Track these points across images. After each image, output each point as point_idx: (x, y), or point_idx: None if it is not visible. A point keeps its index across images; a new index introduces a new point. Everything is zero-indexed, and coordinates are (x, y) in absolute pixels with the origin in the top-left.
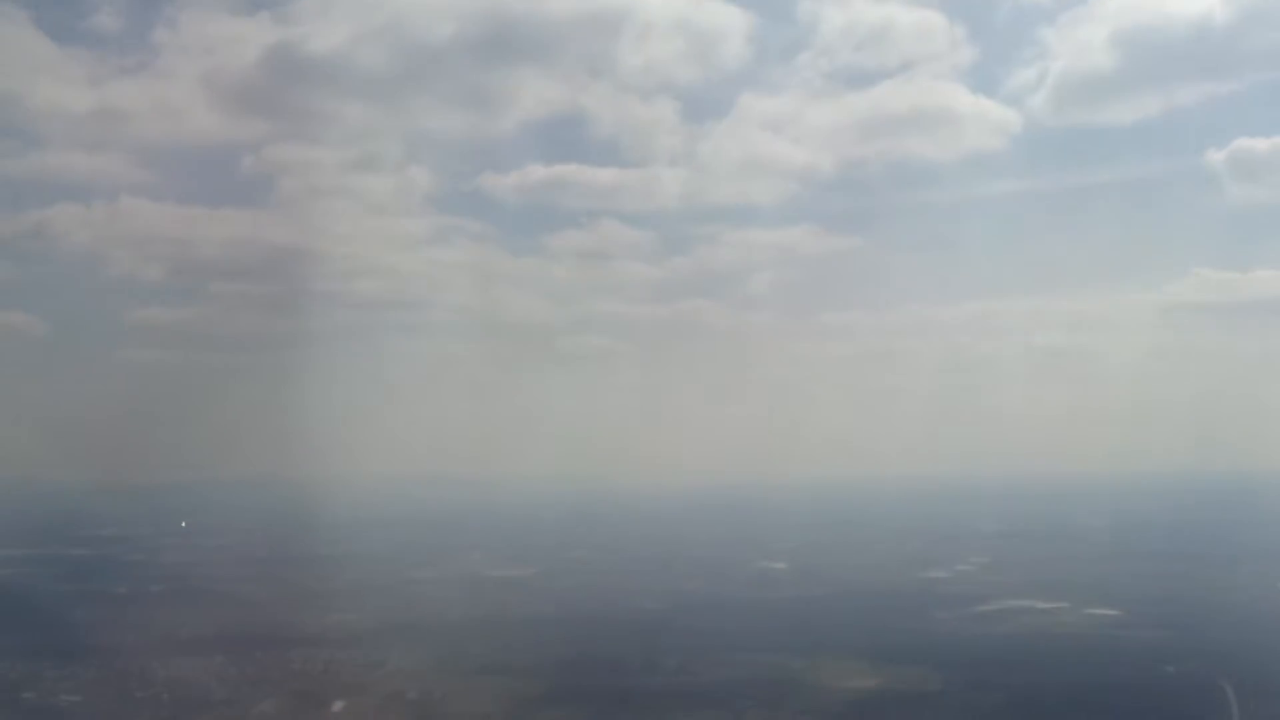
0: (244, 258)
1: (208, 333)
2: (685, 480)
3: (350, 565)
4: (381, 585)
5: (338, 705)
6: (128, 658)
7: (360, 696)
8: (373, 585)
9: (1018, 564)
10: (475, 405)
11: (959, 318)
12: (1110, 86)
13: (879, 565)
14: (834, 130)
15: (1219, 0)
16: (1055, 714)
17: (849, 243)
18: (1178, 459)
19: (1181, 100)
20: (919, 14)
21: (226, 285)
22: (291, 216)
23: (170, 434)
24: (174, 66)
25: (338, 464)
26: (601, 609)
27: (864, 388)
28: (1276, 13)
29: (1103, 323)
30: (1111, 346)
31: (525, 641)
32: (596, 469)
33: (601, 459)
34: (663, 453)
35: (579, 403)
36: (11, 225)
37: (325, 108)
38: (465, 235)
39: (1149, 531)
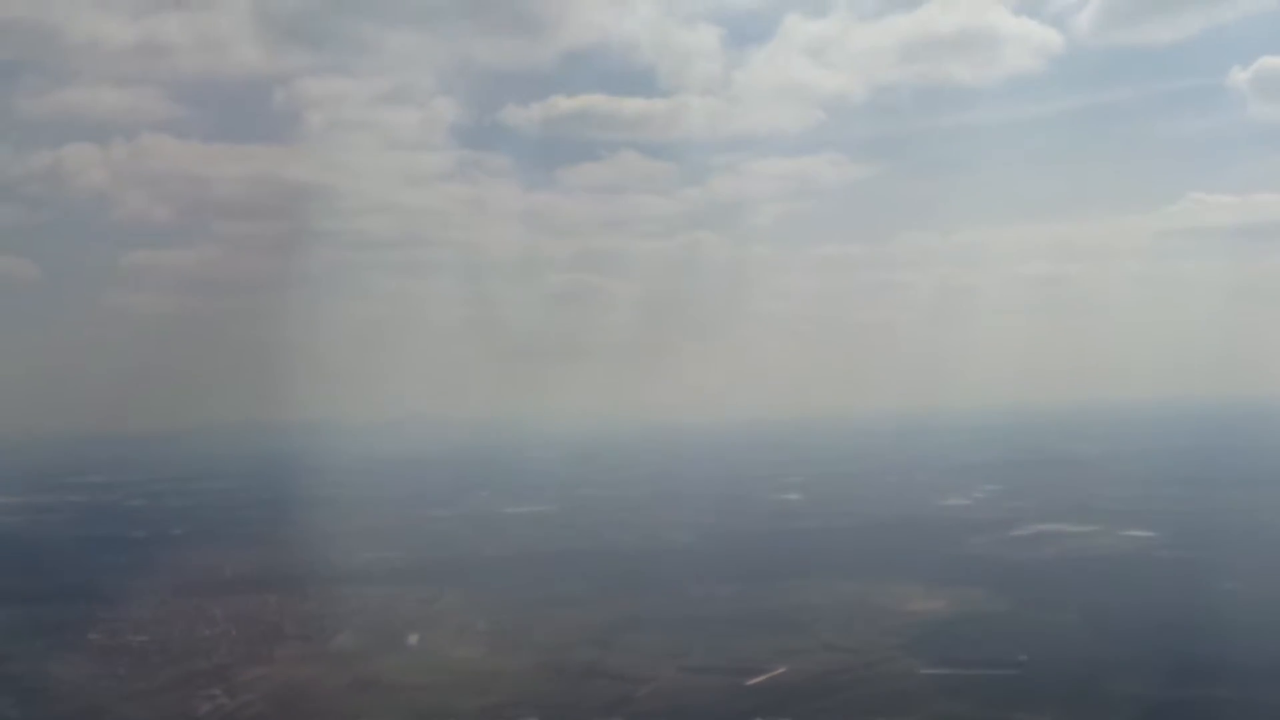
0: (255, 196)
1: (206, 276)
2: (676, 419)
3: (361, 506)
4: (401, 525)
5: (412, 638)
6: (178, 598)
7: (431, 629)
8: (392, 525)
9: (1031, 491)
10: (469, 345)
11: (957, 247)
12: (1155, 3)
13: (894, 496)
14: (874, 53)
15: None
16: (1138, 631)
17: (869, 170)
18: (1170, 386)
19: (1222, 17)
20: None
21: (232, 226)
22: (312, 152)
23: (159, 381)
24: None
25: (331, 407)
26: (633, 542)
27: (857, 320)
28: None
29: (1102, 248)
30: (1109, 273)
31: (570, 574)
32: (589, 408)
33: (593, 398)
34: (654, 391)
35: (571, 341)
36: (24, 166)
37: (365, 36)
38: (483, 170)
39: (1150, 458)
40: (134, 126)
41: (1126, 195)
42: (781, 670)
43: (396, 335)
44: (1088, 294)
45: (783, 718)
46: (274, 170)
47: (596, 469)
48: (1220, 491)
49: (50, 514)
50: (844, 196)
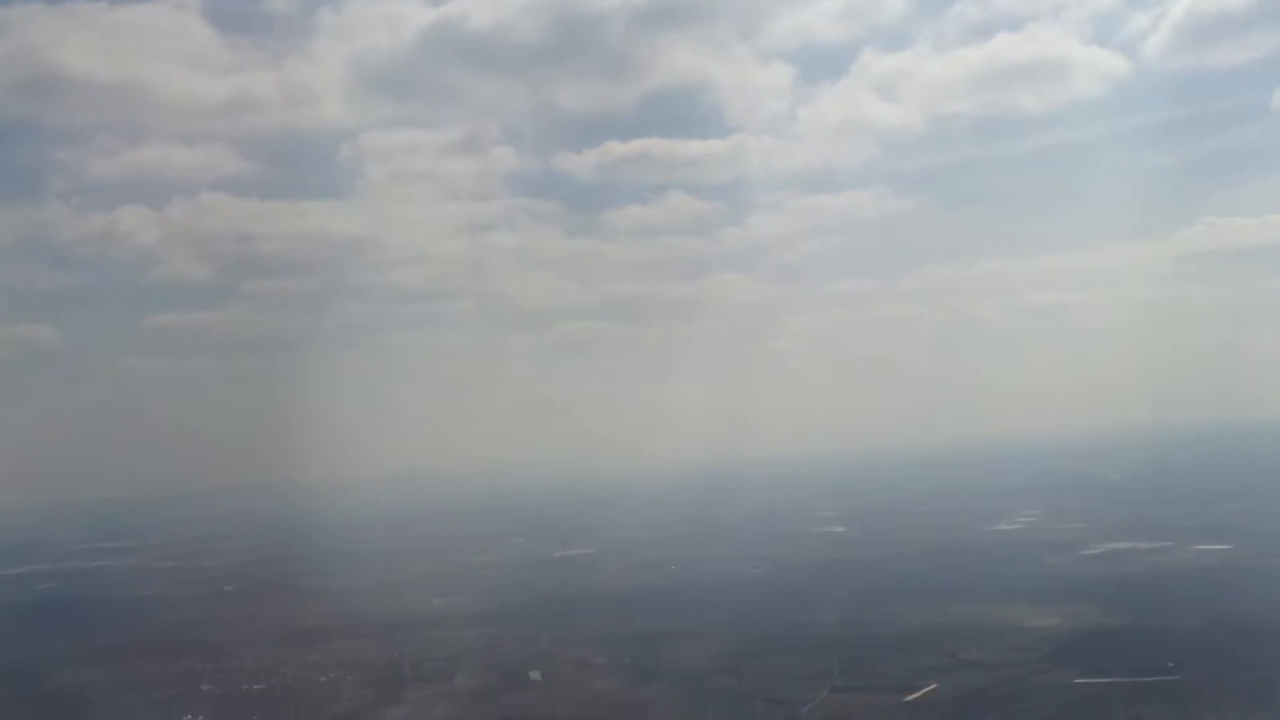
0: (294, 253)
1: (229, 336)
2: (685, 462)
3: (404, 556)
4: (454, 572)
5: (534, 674)
6: (275, 648)
7: (549, 666)
8: (446, 572)
9: (1075, 513)
10: (480, 397)
11: (979, 277)
12: (1231, 24)
13: (939, 524)
14: (941, 85)
15: None
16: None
17: (910, 204)
18: (1184, 410)
19: None
20: None
21: (263, 283)
22: (364, 206)
23: (174, 445)
24: (315, 51)
25: (340, 466)
26: (701, 577)
27: (871, 355)
28: None
29: (1123, 275)
30: (1129, 299)
31: (655, 609)
32: (595, 455)
33: (598, 445)
34: (665, 435)
35: (587, 388)
36: (77, 229)
37: (451, 84)
38: (529, 216)
39: (1180, 478)
40: (196, 185)
41: (1152, 218)
42: (934, 686)
43: (409, 390)
44: (1106, 321)
45: None
46: (321, 226)
47: (622, 512)
48: (1273, 505)
49: (84, 579)
50: (878, 231)
